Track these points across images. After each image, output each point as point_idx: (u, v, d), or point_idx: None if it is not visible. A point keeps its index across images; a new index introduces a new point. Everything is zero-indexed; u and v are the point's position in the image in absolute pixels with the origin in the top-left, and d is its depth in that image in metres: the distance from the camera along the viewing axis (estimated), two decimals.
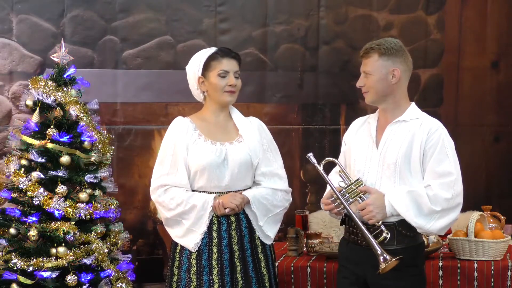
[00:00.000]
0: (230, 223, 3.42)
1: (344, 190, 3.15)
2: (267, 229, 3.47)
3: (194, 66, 3.47)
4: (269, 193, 3.47)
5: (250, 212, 3.44)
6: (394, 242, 3.11)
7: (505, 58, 5.31)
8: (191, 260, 3.40)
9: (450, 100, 5.31)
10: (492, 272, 3.69)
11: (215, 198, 3.39)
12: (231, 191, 3.42)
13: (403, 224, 3.12)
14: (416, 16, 5.28)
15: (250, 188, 3.49)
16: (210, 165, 3.38)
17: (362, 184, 3.14)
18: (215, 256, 3.39)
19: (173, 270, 3.44)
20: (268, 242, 3.49)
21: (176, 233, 3.45)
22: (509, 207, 5.00)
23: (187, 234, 3.41)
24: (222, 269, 3.38)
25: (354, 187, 3.14)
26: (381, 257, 3.00)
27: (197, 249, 3.39)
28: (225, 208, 3.37)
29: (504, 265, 3.72)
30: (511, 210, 4.70)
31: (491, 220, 4.11)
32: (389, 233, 3.07)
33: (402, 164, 3.12)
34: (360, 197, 3.13)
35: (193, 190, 3.44)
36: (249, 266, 3.42)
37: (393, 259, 2.99)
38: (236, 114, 3.54)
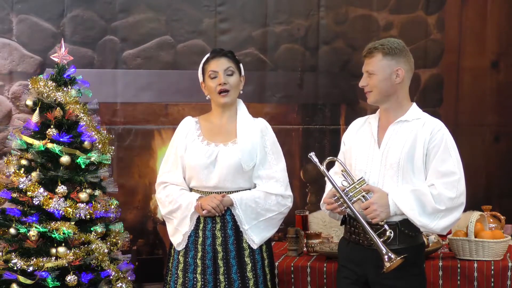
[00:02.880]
0: (215, 224, 3.42)
1: (347, 189, 3.14)
2: (253, 234, 3.42)
3: (199, 73, 3.55)
4: (261, 197, 3.43)
5: (236, 215, 3.42)
6: (396, 242, 3.10)
7: (505, 58, 5.31)
8: (180, 257, 3.46)
9: (450, 100, 5.31)
10: (492, 272, 3.69)
11: (199, 198, 3.41)
12: (221, 192, 3.43)
13: (405, 224, 3.12)
14: (416, 16, 5.28)
15: (247, 190, 3.47)
16: (198, 165, 3.42)
17: (365, 183, 3.13)
18: (199, 254, 3.42)
19: (168, 265, 3.52)
20: (254, 246, 3.44)
21: (168, 231, 3.53)
22: (509, 207, 5.00)
23: (175, 233, 3.48)
24: (204, 268, 3.40)
25: (358, 186, 3.13)
26: (386, 256, 2.99)
27: (182, 247, 3.43)
28: (203, 210, 3.37)
29: (504, 265, 3.71)
30: (511, 210, 4.70)
31: (491, 220, 4.10)
32: (392, 232, 3.07)
33: (405, 163, 3.12)
34: (363, 196, 3.12)
35: (190, 189, 3.50)
36: (232, 268, 3.40)
37: (398, 258, 2.99)
38: (241, 115, 3.52)
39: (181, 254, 3.45)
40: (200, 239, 3.42)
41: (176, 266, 3.46)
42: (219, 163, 3.41)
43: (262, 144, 3.49)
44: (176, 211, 3.45)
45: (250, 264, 3.43)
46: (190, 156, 3.45)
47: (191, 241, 3.43)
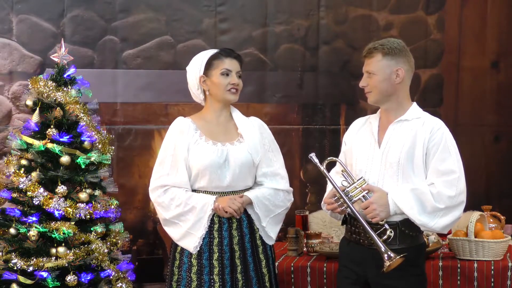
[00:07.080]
0: (231, 223, 3.42)
1: (347, 189, 3.15)
2: (269, 230, 3.48)
3: (196, 66, 3.47)
4: (271, 194, 3.47)
5: (253, 213, 3.44)
6: (397, 242, 3.11)
7: (505, 58, 5.31)
8: (192, 259, 3.40)
9: (450, 100, 5.31)
10: (492, 272, 3.69)
11: (216, 200, 3.38)
12: (232, 191, 3.43)
13: (406, 223, 3.12)
14: (416, 16, 5.28)
15: (251, 188, 3.49)
16: (211, 166, 3.38)
17: (365, 183, 3.13)
18: (216, 255, 3.39)
19: (173, 269, 3.44)
20: (270, 242, 3.49)
21: (174, 235, 3.44)
22: (509, 207, 5.00)
23: (186, 237, 3.40)
24: (222, 268, 3.38)
25: (358, 186, 3.13)
26: (386, 255, 2.99)
27: (198, 250, 3.38)
28: (225, 211, 3.37)
29: (504, 265, 3.72)
30: (511, 210, 4.70)
31: (491, 220, 4.11)
32: (392, 231, 3.07)
33: (405, 162, 3.12)
34: (363, 196, 3.13)
35: (193, 190, 3.44)
36: (249, 266, 3.42)
37: (398, 257, 2.99)
38: (237, 114, 3.54)
39: (193, 257, 3.39)
40: (216, 240, 3.39)
41: (188, 269, 3.39)
42: (231, 162, 3.40)
43: (261, 142, 3.51)
44: (187, 214, 3.38)
45: (264, 261, 3.47)
46: (199, 157, 3.39)
47: (205, 242, 3.39)
